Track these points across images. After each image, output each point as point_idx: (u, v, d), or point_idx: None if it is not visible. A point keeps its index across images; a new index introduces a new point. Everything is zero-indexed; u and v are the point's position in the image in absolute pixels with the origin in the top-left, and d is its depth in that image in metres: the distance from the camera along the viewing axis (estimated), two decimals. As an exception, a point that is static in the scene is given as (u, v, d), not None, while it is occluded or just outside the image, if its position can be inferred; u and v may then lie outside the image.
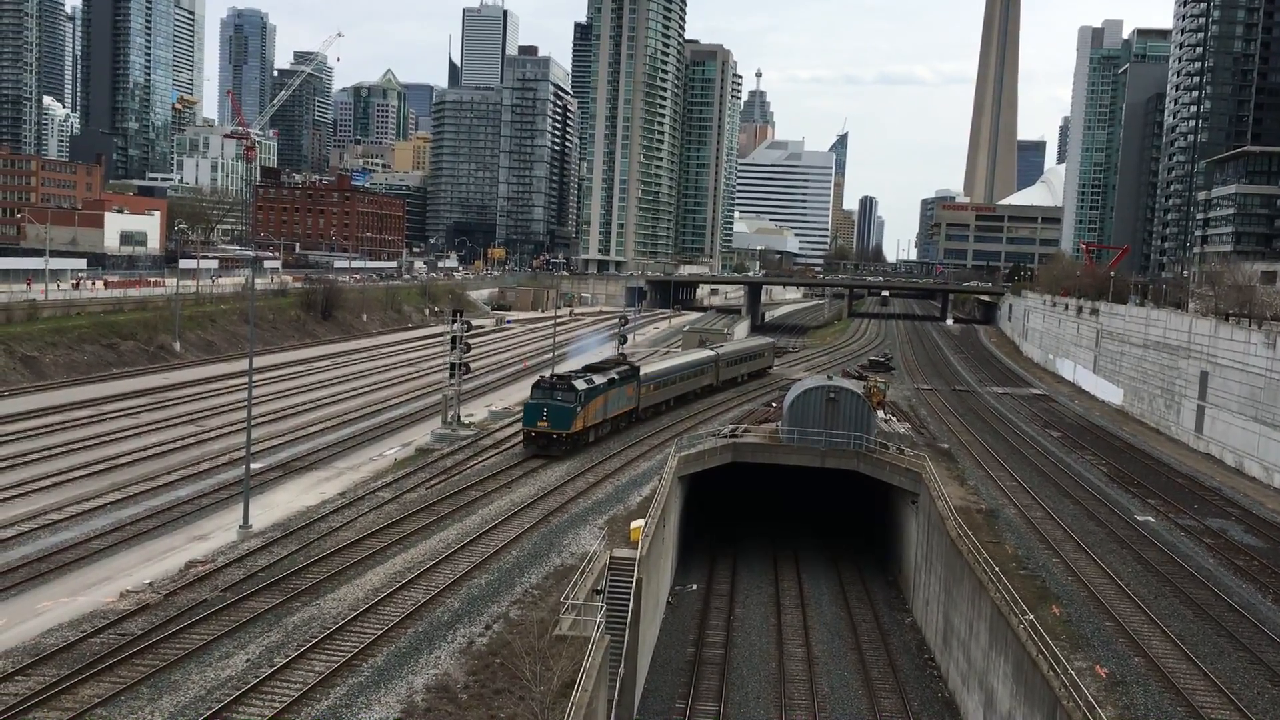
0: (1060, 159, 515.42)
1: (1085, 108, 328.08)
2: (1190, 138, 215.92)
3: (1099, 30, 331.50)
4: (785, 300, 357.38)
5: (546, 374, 71.12)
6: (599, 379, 70.48)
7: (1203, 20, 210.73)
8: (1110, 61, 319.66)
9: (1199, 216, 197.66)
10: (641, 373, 79.28)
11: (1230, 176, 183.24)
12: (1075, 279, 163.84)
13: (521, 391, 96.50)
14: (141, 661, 33.93)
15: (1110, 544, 52.32)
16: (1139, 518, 58.01)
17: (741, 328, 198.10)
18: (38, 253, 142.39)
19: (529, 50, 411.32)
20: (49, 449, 64.54)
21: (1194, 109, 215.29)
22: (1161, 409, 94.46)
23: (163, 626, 36.95)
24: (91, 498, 54.20)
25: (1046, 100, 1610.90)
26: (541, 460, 66.03)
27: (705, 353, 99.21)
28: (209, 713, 30.54)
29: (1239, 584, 46.74)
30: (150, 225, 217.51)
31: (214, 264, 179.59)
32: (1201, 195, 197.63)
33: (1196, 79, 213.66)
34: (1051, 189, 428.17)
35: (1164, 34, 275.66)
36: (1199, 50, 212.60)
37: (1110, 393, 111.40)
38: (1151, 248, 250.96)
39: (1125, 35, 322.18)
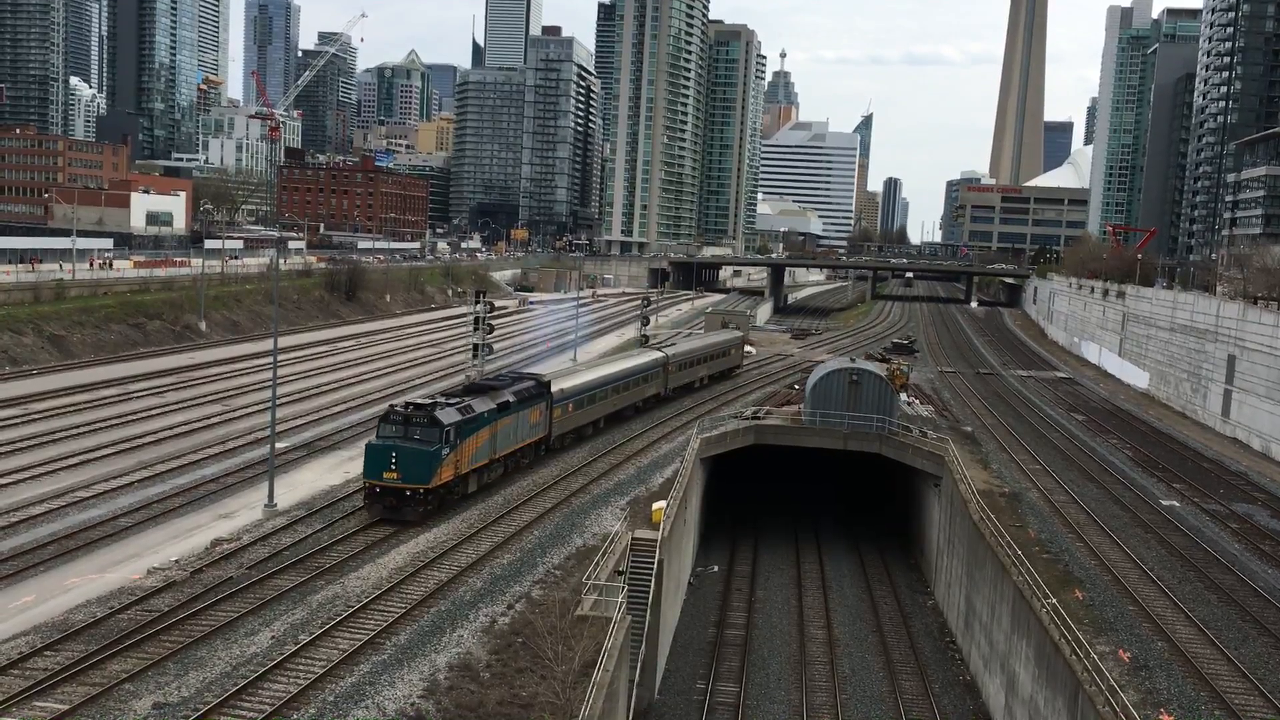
0: (1087, 140, 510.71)
1: (1113, 88, 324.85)
2: (1220, 119, 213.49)
3: (1128, 10, 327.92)
4: (808, 282, 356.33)
5: (399, 402, 51.17)
6: (481, 404, 51.80)
7: (1233, 0, 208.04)
8: (1139, 41, 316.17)
9: (1228, 198, 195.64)
10: (555, 389, 61.31)
11: (1260, 158, 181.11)
12: (1101, 261, 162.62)
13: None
14: (168, 638, 34.28)
15: (1134, 528, 52.05)
16: (1164, 502, 57.67)
17: (765, 309, 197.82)
18: (65, 233, 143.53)
19: (552, 30, 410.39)
20: (76, 427, 65.15)
21: (1224, 90, 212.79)
22: (1188, 393, 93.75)
23: (189, 603, 37.30)
24: (119, 475, 54.71)
25: (1074, 81, 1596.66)
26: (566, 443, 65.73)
27: (650, 355, 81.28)
28: (235, 688, 30.85)
29: (1264, 569, 46.42)
30: (176, 206, 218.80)
31: (239, 244, 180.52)
32: (1231, 177, 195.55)
33: (1227, 59, 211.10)
34: (1078, 170, 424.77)
35: (1194, 14, 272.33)
36: (1229, 30, 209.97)
37: (1136, 376, 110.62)
38: (1179, 230, 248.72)
39: (1155, 15, 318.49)
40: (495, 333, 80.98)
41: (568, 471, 59.46)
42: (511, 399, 54.77)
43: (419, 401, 50.38)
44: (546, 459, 61.23)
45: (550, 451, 61.52)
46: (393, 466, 46.47)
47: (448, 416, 48.12)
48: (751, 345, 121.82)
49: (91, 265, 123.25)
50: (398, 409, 48.45)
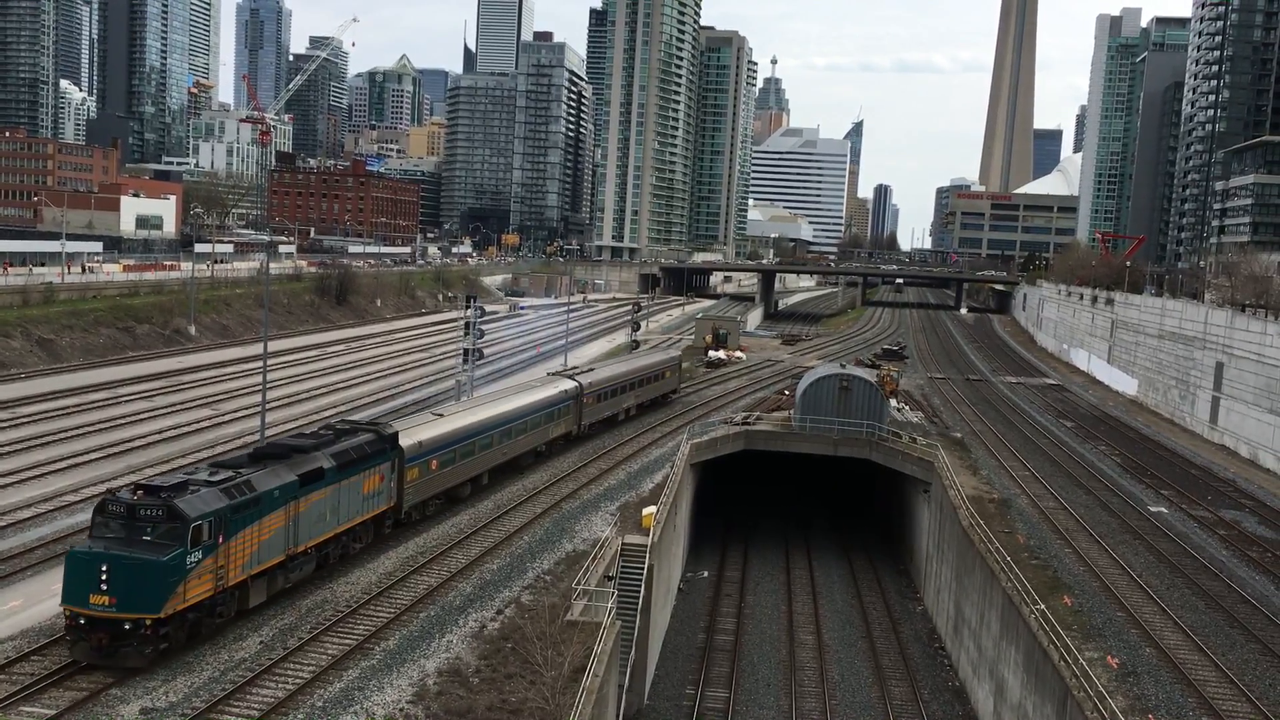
0: (1077, 148, 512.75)
1: (1102, 96, 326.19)
2: (1208, 127, 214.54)
3: (1117, 18, 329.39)
4: (799, 288, 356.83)
5: (127, 486, 36.08)
6: (269, 477, 37.05)
7: (1222, 9, 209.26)
8: (1128, 50, 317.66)
9: (1216, 206, 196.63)
10: (409, 442, 46.50)
11: (1248, 166, 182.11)
12: (1090, 268, 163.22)
13: (531, 378, 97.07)
14: (156, 642, 34.11)
15: (1123, 535, 52.20)
16: (1152, 509, 57.85)
17: (755, 315, 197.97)
18: (54, 236, 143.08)
19: (544, 36, 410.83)
20: (65, 431, 64.91)
21: (1212, 98, 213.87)
22: (1176, 400, 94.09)
23: (177, 608, 37.10)
24: (107, 480, 54.47)
25: (1064, 89, 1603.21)
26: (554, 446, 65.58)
27: (558, 386, 66.07)
28: (223, 693, 30.75)
29: (1252, 575, 46.60)
30: (166, 209, 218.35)
31: (229, 248, 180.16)
32: (1219, 185, 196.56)
33: (1215, 68, 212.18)
34: (1068, 178, 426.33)
35: (1183, 22, 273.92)
36: (1218, 39, 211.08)
37: (1125, 383, 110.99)
38: (1168, 237, 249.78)
39: (1144, 23, 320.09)
40: (485, 338, 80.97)
41: (558, 477, 59.41)
42: (328, 464, 39.90)
43: (153, 484, 34.31)
44: (385, 544, 45.17)
45: (400, 526, 46.91)
46: (103, 587, 31.49)
47: (199, 504, 33.22)
48: (741, 351, 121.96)
49: (68, 270, 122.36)
50: (119, 496, 33.48)
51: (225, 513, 34.14)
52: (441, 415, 53.79)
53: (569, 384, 67.59)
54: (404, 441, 45.97)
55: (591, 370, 74.77)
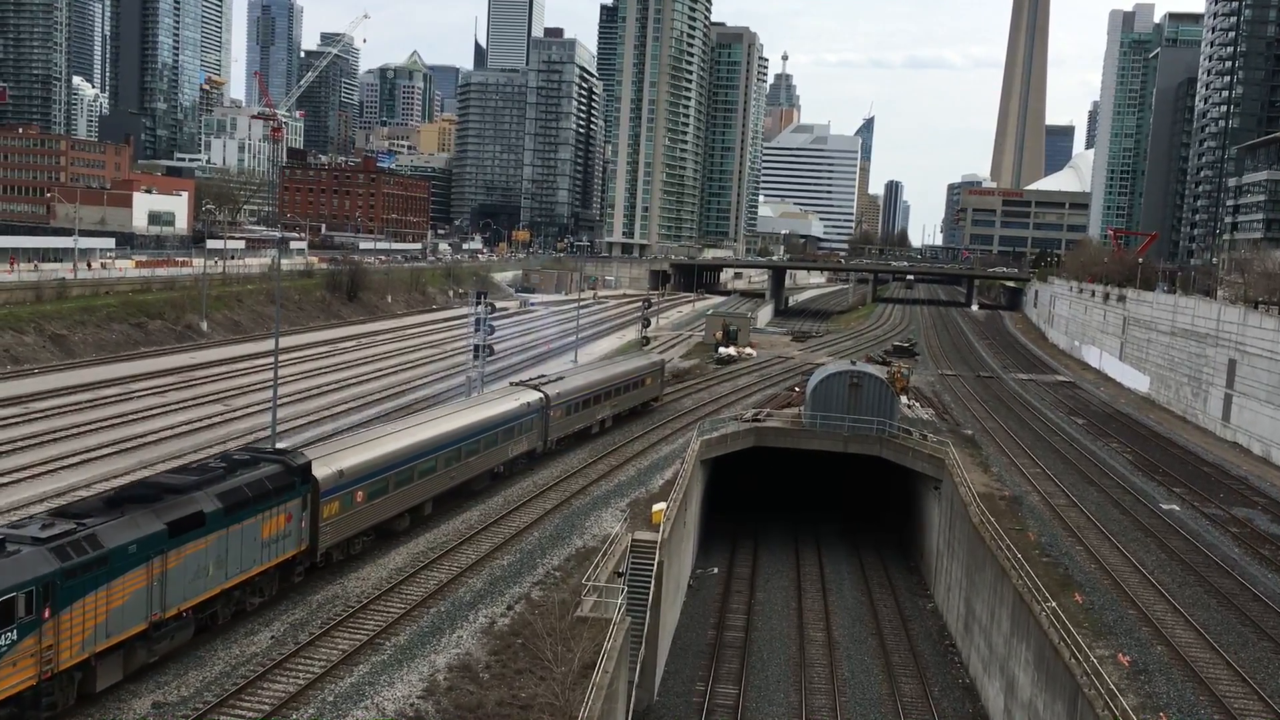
0: (1089, 144, 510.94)
1: (1115, 92, 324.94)
2: (1221, 123, 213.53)
3: (1130, 14, 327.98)
4: (809, 285, 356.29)
5: None
6: (124, 527, 30.36)
7: (1235, 4, 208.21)
8: (1141, 46, 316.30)
9: (1229, 203, 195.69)
10: (326, 472, 40.19)
11: (1262, 162, 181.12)
12: (1102, 265, 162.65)
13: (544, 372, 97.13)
14: (168, 637, 34.25)
15: (1134, 532, 52.04)
16: (1164, 506, 57.66)
17: (765, 312, 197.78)
18: (67, 232, 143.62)
19: (555, 32, 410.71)
20: (77, 426, 65.16)
21: (1225, 94, 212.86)
22: (1188, 397, 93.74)
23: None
24: (119, 475, 54.66)
25: (1076, 85, 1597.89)
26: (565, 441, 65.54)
27: (520, 398, 59.72)
28: (234, 688, 30.88)
29: (1265, 574, 46.42)
30: (178, 205, 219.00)
31: (240, 244, 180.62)
32: (1232, 181, 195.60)
33: (1228, 64, 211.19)
34: (1079, 174, 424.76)
35: (1196, 18, 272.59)
36: (1231, 35, 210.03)
37: (1136, 380, 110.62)
38: (1180, 234, 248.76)
39: (1157, 19, 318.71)
40: (495, 334, 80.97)
41: (568, 473, 59.46)
42: (211, 506, 33.24)
43: None
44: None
45: (316, 570, 40.51)
46: None
47: (10, 572, 26.43)
48: (752, 348, 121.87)
49: (76, 266, 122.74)
50: None
51: (53, 579, 27.16)
52: (374, 437, 47.22)
53: (533, 395, 60.69)
54: (320, 471, 39.63)
55: (560, 379, 67.34)
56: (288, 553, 37.70)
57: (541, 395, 61.31)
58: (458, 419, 52.48)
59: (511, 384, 66.80)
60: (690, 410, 79.93)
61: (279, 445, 46.07)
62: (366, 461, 43.10)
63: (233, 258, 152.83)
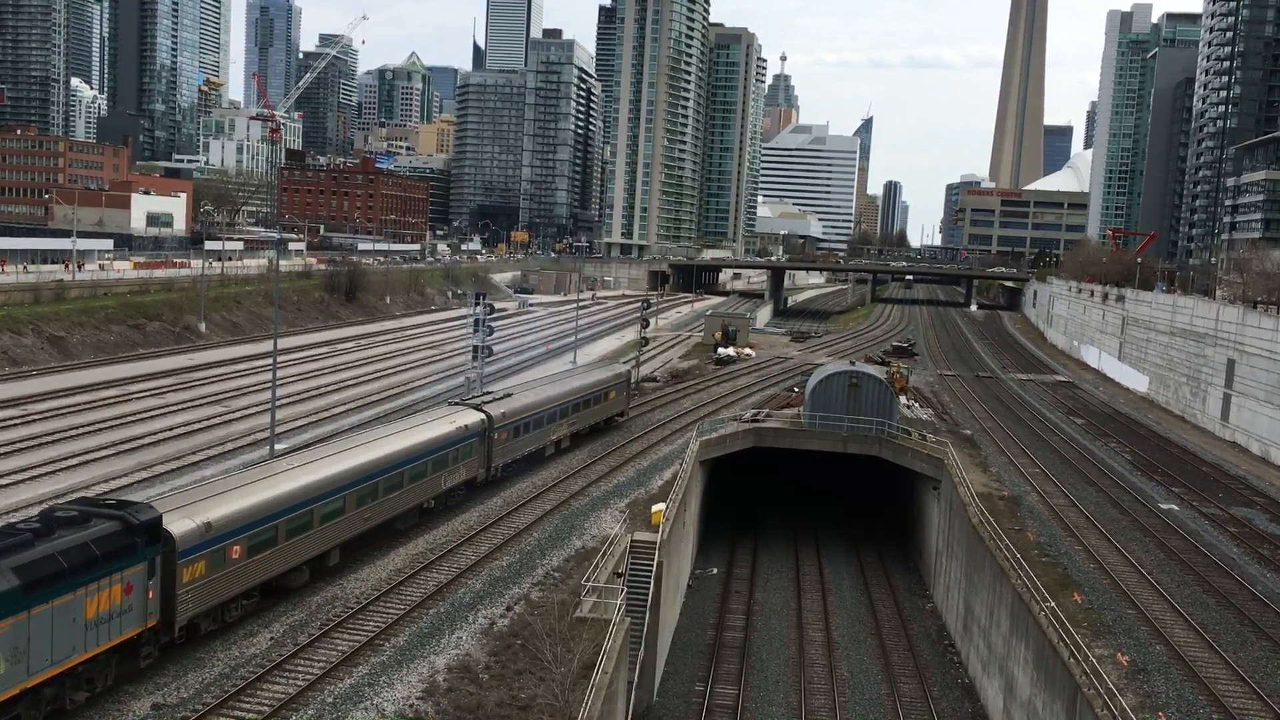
0: (1087, 144, 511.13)
1: (1113, 92, 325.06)
2: (1220, 123, 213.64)
3: (1128, 14, 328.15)
4: (808, 285, 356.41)
5: None
6: None
7: (1233, 4, 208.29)
8: (1139, 46, 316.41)
9: (1227, 203, 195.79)
10: (187, 529, 33.27)
11: (1260, 162, 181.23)
12: (1101, 265, 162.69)
13: (543, 374, 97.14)
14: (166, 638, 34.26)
15: (1133, 532, 52.06)
16: (1163, 506, 57.69)
17: (764, 312, 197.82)
18: (65, 233, 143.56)
19: (553, 33, 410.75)
20: (76, 428, 65.17)
21: (1224, 94, 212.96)
22: (1187, 397, 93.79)
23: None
24: (118, 477, 54.72)
25: (1074, 85, 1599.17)
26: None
27: (460, 419, 52.40)
28: (234, 689, 30.88)
29: (1263, 573, 46.44)
30: (176, 207, 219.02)
31: (239, 246, 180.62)
32: (1230, 181, 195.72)
33: (1226, 64, 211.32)
34: (1078, 174, 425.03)
35: (1194, 18, 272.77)
36: (1229, 35, 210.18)
37: (1135, 380, 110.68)
38: (1179, 234, 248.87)
39: (1154, 19, 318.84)
40: (495, 334, 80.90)
41: (566, 474, 59.46)
42: (7, 583, 26.20)
43: None
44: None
45: (174, 647, 33.24)
46: None
47: None
48: (750, 348, 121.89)
49: (67, 268, 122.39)
50: None
51: None
52: (261, 477, 39.41)
53: (472, 416, 53.39)
54: (177, 526, 32.58)
55: (508, 396, 59.77)
56: (128, 632, 30.16)
57: (483, 416, 54.12)
58: (375, 449, 45.12)
59: (450, 403, 59.12)
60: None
61: (126, 499, 34.42)
62: (246, 509, 35.82)
63: (231, 259, 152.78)
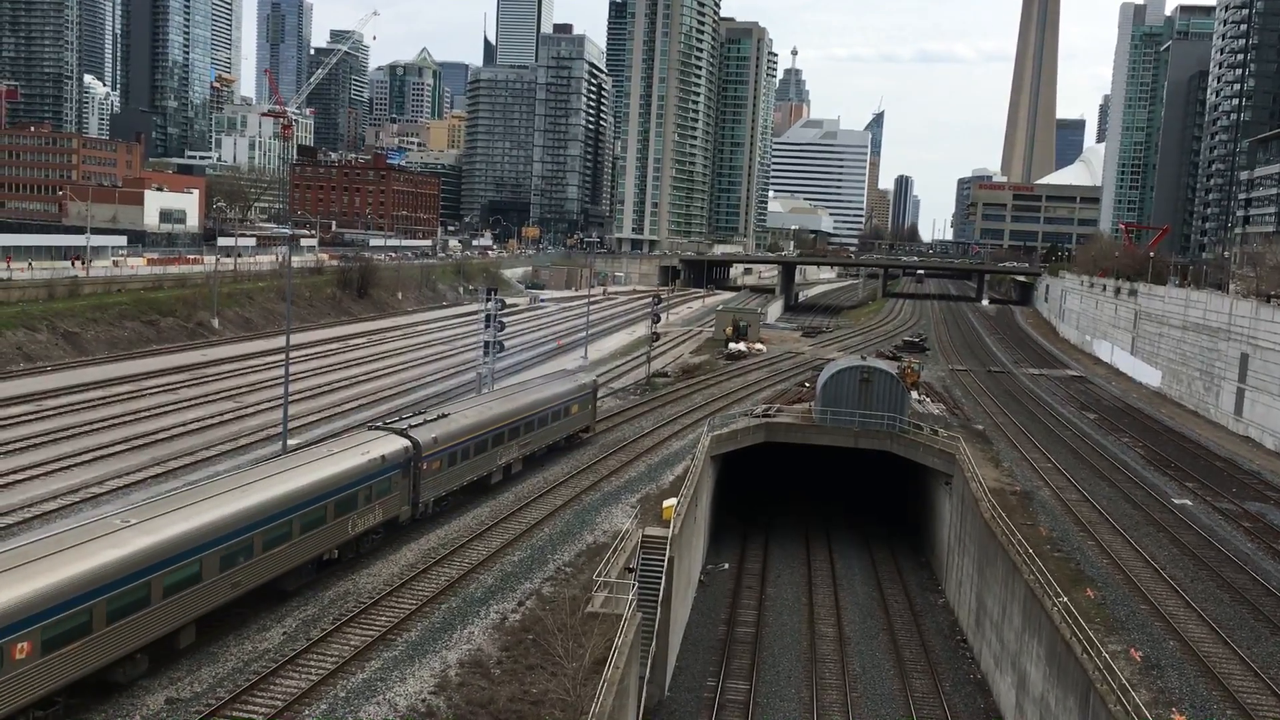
0: (1100, 138, 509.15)
1: (1126, 86, 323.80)
2: (1233, 116, 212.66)
3: (1141, 7, 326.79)
4: (819, 280, 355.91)
5: None
6: None
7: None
8: (1152, 39, 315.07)
9: (1241, 196, 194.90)
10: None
11: (1274, 155, 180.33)
12: (1114, 259, 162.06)
13: (554, 370, 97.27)
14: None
15: (1146, 527, 51.89)
16: (1176, 501, 57.47)
17: (775, 307, 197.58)
18: (79, 230, 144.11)
19: (564, 28, 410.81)
20: (89, 424, 65.42)
21: (1237, 87, 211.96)
22: (1200, 391, 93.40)
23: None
24: (132, 472, 54.93)
25: (1087, 78, 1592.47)
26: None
27: (373, 450, 43.15)
28: (247, 684, 31.00)
29: (1277, 568, 46.23)
30: (189, 203, 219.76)
31: (251, 242, 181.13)
32: (1244, 175, 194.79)
33: (1240, 56, 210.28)
34: (1090, 168, 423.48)
35: (1207, 11, 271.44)
36: (1243, 27, 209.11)
37: (1148, 375, 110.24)
38: (1192, 228, 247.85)
39: (1168, 12, 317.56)
40: (506, 330, 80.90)
41: (578, 469, 59.51)
42: None
43: None
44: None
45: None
46: None
47: None
48: (762, 344, 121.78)
49: (72, 264, 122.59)
50: None
51: None
52: (74, 543, 30.05)
53: (393, 444, 44.71)
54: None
55: (443, 418, 50.24)
56: None
57: (406, 443, 45.36)
58: (249, 494, 36.12)
59: (370, 426, 50.96)
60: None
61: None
62: (42, 592, 27.39)
63: (244, 255, 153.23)
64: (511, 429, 55.37)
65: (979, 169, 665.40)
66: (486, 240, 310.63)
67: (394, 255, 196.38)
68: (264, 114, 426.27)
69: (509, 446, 55.31)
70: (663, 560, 41.49)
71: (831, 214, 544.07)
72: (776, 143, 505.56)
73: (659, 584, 40.66)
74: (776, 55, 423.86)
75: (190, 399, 75.61)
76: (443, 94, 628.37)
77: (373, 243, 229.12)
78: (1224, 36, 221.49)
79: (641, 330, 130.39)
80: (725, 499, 69.48)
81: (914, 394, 76.97)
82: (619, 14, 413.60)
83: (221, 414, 71.00)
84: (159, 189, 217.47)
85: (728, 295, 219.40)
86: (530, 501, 52.25)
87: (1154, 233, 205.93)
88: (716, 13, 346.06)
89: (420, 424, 48.20)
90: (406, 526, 46.32)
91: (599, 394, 73.18)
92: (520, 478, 56.76)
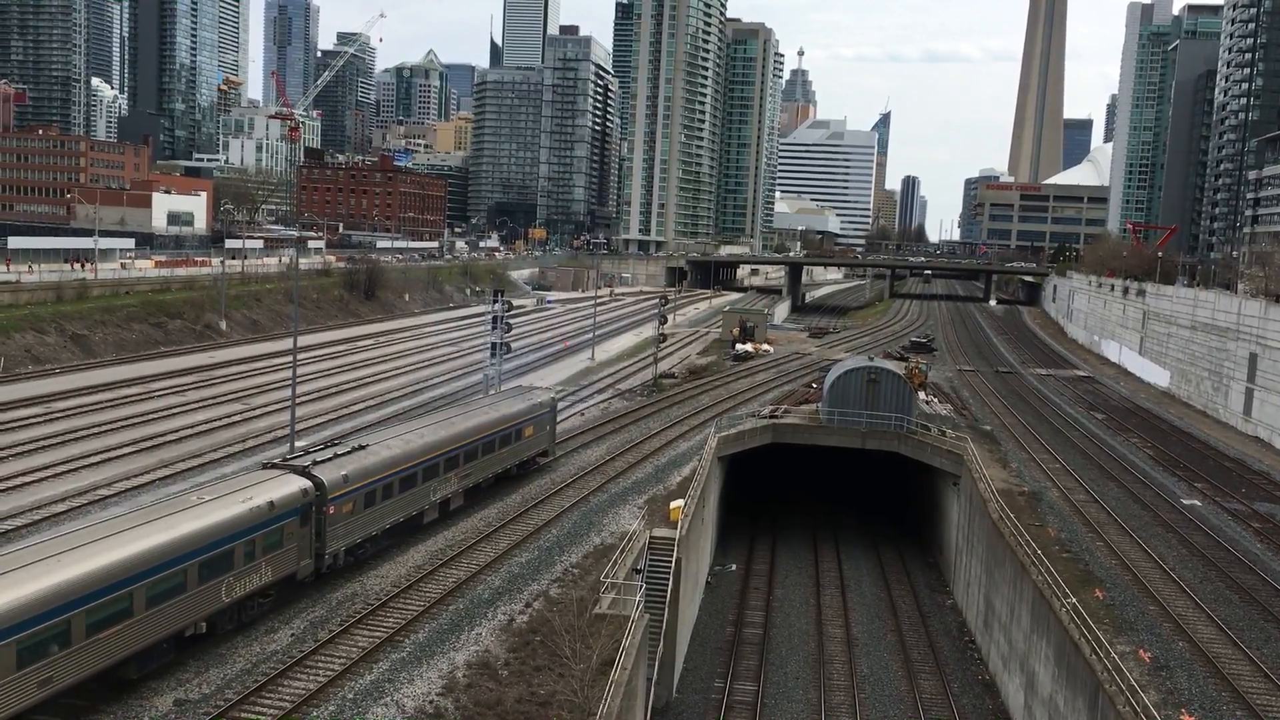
0: (1107, 138, 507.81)
1: (1134, 85, 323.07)
2: (1241, 115, 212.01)
3: (1148, 6, 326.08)
4: (826, 281, 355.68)
5: None
6: None
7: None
8: (1160, 38, 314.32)
9: (1249, 196, 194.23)
10: None
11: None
12: (1121, 259, 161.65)
13: (561, 372, 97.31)
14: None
15: (1155, 527, 51.77)
16: (1185, 501, 57.33)
17: (782, 308, 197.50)
18: (87, 233, 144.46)
19: (570, 30, 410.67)
20: (98, 426, 65.57)
21: (1245, 86, 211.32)
22: (1209, 391, 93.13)
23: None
24: (140, 474, 55.05)
25: (1094, 77, 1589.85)
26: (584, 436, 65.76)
27: (262, 495, 35.63)
28: (255, 685, 31.04)
29: (1287, 569, 46.11)
30: (196, 205, 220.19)
31: (259, 244, 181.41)
32: (1252, 174, 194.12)
33: (1248, 55, 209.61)
34: (1098, 168, 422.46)
35: (1215, 10, 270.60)
36: (1251, 26, 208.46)
37: (1156, 375, 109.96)
38: (1200, 228, 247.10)
39: (1175, 11, 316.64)
40: (513, 332, 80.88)
41: (585, 470, 59.49)
42: None
43: None
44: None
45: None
46: None
47: None
48: (769, 344, 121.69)
49: (73, 267, 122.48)
50: None
51: None
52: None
53: (287, 486, 37.18)
54: None
55: (359, 449, 42.62)
56: None
57: (306, 484, 37.83)
58: (68, 564, 28.57)
59: (265, 465, 41.86)
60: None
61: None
62: None
63: (251, 257, 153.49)
64: (449, 458, 47.60)
65: (986, 169, 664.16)
66: (493, 242, 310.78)
67: (401, 257, 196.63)
68: (271, 116, 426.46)
69: (446, 479, 47.48)
70: (670, 561, 41.47)
71: (838, 214, 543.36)
72: (783, 143, 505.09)
73: (666, 585, 40.64)
74: (783, 56, 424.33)
75: (198, 401, 75.76)
76: (449, 96, 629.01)
77: (379, 244, 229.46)
78: (1232, 36, 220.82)
79: (648, 331, 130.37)
80: (732, 500, 69.42)
81: (921, 394, 76.85)
82: (625, 15, 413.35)
83: (230, 416, 71.13)
84: (167, 191, 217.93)
85: (734, 296, 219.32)
86: (537, 502, 52.22)
87: (1162, 232, 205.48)
88: (723, 13, 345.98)
89: (328, 459, 40.47)
90: (309, 583, 38.71)
91: (559, 413, 64.94)
92: (526, 478, 56.67)
